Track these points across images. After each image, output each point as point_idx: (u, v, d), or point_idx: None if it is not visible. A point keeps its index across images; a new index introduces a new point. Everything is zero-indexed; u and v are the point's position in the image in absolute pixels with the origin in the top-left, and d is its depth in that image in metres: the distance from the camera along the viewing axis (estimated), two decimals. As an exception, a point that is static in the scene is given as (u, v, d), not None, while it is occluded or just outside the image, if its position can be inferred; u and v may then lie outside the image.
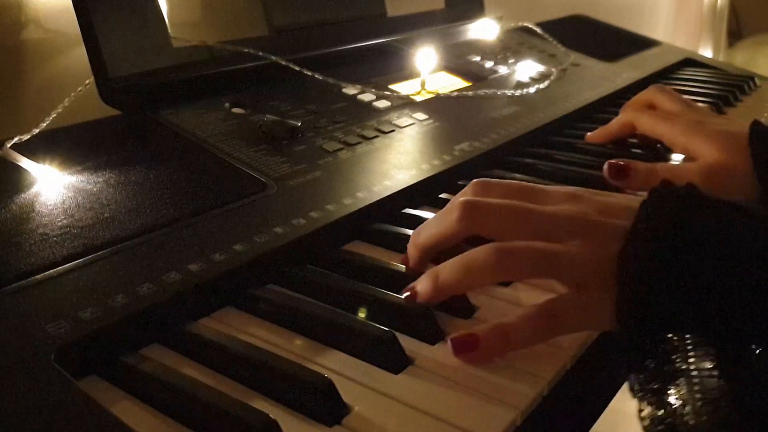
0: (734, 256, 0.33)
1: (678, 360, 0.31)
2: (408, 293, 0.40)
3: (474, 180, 0.44)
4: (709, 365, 0.30)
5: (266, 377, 0.34)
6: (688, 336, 0.31)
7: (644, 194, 0.38)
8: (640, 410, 0.31)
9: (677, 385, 0.30)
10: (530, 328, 0.36)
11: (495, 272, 0.38)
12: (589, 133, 0.71)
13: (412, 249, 0.44)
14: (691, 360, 0.31)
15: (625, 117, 0.68)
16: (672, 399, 0.30)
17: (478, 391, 0.34)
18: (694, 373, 0.30)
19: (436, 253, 0.43)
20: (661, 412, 0.30)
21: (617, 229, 0.37)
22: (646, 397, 0.31)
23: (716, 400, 0.29)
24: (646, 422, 0.31)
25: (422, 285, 0.40)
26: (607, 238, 0.37)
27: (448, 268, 0.39)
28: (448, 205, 0.42)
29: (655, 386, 0.31)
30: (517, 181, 0.44)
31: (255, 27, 0.76)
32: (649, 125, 0.65)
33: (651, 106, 0.69)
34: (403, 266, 0.45)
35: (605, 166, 0.58)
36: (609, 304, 0.35)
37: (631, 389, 0.33)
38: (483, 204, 0.40)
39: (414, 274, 0.42)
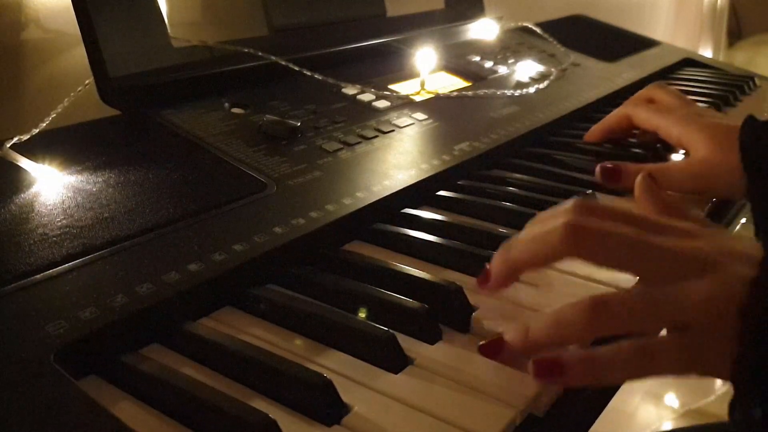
0: None
1: None
2: (491, 341, 0.37)
3: (575, 199, 0.38)
4: None
5: (266, 377, 0.34)
6: None
7: None
8: None
9: None
10: (620, 364, 0.33)
11: (589, 330, 0.34)
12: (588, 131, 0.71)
13: (500, 264, 0.39)
14: None
15: (622, 110, 0.68)
16: None
17: (478, 390, 0.34)
18: None
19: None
20: None
21: (739, 275, 0.33)
22: None
23: None
24: None
25: (512, 336, 0.36)
26: (728, 281, 0.33)
27: (538, 323, 0.35)
28: (546, 222, 0.37)
29: None
30: (621, 208, 0.38)
31: (255, 27, 0.76)
32: (645, 117, 0.65)
33: (650, 102, 0.69)
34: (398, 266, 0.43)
35: (597, 170, 0.58)
36: (721, 351, 0.32)
37: None
38: (594, 229, 0.35)
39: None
